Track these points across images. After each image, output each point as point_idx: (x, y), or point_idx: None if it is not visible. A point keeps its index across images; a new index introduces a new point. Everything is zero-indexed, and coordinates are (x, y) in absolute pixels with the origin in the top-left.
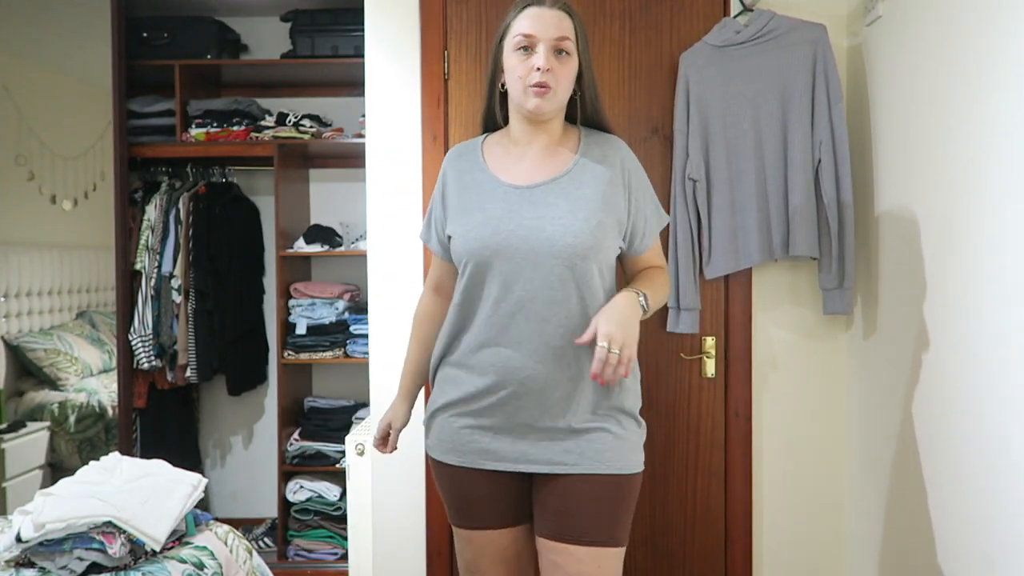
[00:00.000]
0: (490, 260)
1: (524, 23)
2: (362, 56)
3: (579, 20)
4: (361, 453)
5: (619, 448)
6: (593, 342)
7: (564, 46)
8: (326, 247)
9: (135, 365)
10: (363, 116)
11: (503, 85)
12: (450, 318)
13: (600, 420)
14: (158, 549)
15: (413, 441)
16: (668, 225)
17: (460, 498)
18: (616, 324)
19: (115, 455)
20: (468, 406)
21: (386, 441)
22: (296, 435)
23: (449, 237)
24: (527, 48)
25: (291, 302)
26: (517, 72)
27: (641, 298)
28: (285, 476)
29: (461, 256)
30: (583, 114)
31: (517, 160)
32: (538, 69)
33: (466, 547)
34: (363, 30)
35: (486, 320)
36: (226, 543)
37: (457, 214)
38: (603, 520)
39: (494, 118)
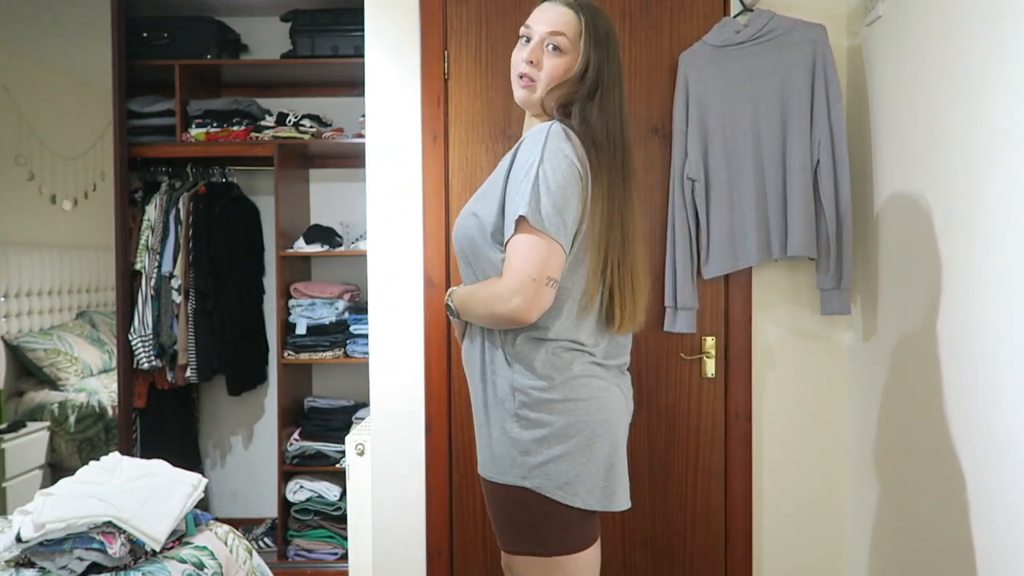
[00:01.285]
0: None
1: (531, 16)
2: (362, 56)
3: (593, 19)
4: (361, 453)
5: (486, 449)
6: None
7: (556, 41)
8: (326, 247)
9: (135, 365)
10: (363, 116)
11: None
12: None
13: (484, 412)
14: (158, 549)
15: (414, 441)
16: (668, 224)
17: None
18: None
19: (115, 455)
20: None
21: None
22: (296, 435)
23: None
24: (527, 40)
25: (291, 302)
26: (512, 62)
27: (448, 298)
28: (285, 476)
29: None
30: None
31: None
32: (523, 60)
33: None
34: (363, 30)
35: None
36: (226, 543)
37: None
38: (495, 522)
39: None
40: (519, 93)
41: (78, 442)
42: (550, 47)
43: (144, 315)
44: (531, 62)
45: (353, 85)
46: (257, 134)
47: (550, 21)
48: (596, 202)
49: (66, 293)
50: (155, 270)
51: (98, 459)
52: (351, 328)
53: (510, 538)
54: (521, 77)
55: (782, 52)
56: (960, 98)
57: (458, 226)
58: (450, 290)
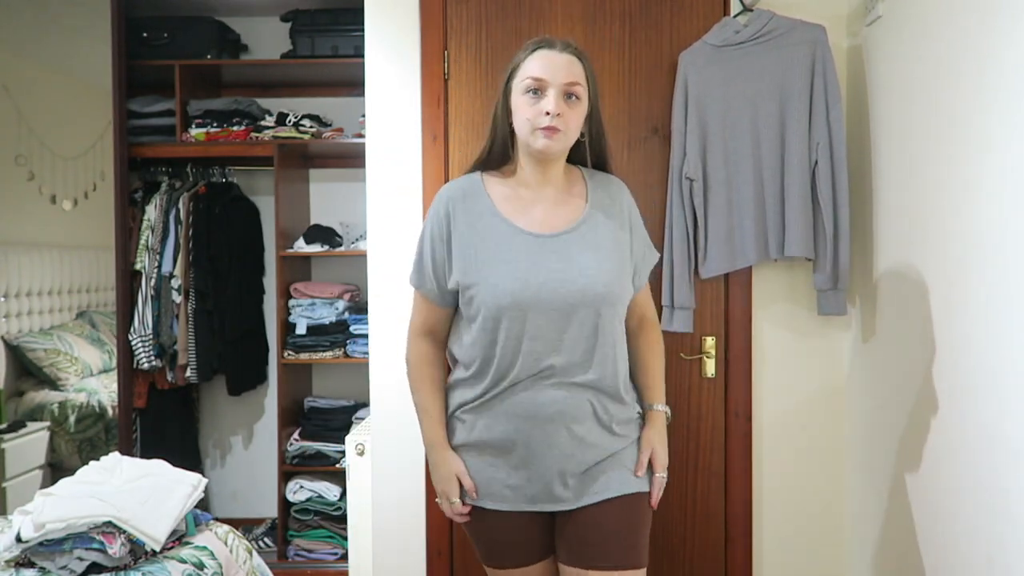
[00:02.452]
0: (522, 312)
1: (534, 66)
2: (362, 56)
3: (588, 63)
4: (361, 453)
5: (629, 463)
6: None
7: (575, 91)
8: (326, 247)
9: (135, 365)
10: (363, 116)
11: (511, 124)
12: (475, 368)
13: (623, 430)
14: (158, 549)
15: (414, 441)
16: (665, 224)
17: None
18: (666, 452)
19: (115, 455)
20: None
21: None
22: (296, 435)
23: (459, 283)
24: (537, 91)
25: (291, 302)
26: (526, 114)
27: (666, 413)
28: (285, 476)
29: (489, 308)
30: (592, 155)
31: (529, 204)
32: (547, 113)
33: None
34: (363, 30)
35: (520, 366)
36: (226, 543)
37: (473, 262)
38: (636, 537)
39: (498, 155)
40: (544, 143)
41: (78, 442)
42: (570, 97)
43: (144, 315)
44: (559, 114)
45: (353, 85)
46: (257, 134)
47: (565, 72)
48: None
49: (66, 293)
50: (155, 270)
51: (98, 459)
52: (351, 328)
53: (644, 548)
54: (546, 129)
55: (782, 52)
56: (959, 98)
57: (615, 284)
58: (654, 407)
